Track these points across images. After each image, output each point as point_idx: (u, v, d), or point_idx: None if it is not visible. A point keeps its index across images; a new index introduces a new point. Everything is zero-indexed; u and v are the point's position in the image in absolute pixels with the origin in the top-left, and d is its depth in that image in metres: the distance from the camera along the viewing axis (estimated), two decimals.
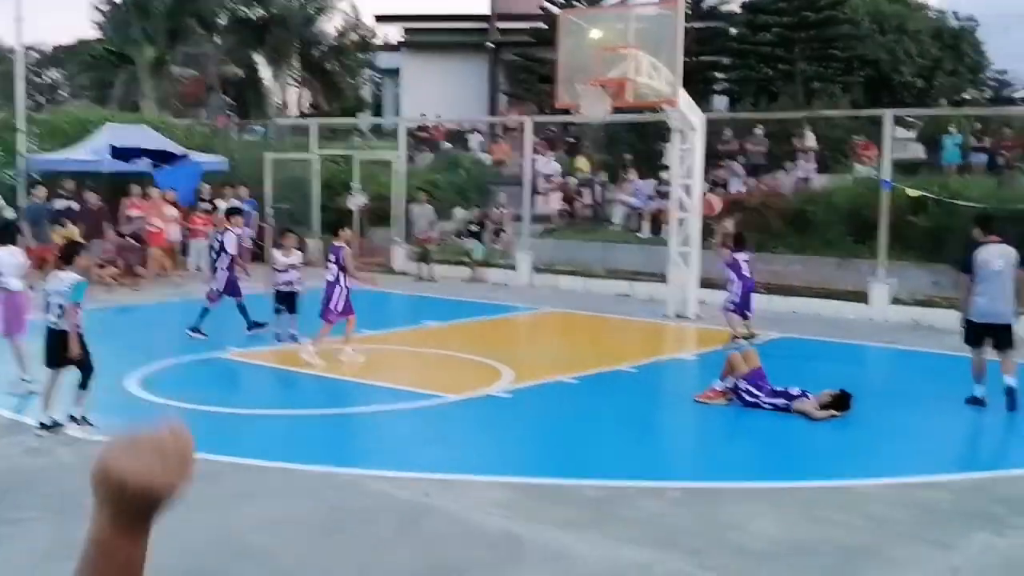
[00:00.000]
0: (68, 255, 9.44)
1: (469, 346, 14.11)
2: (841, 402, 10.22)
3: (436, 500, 7.48)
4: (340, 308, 12.68)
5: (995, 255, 10.48)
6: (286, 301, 13.93)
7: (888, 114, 18.17)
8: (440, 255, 22.66)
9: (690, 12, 26.10)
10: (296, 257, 14.11)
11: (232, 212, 15.70)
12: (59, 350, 9.13)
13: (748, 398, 10.49)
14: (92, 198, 19.11)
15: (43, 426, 9.15)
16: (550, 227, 23.81)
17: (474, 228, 22.74)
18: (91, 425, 9.19)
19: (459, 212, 24.43)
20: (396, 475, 8.14)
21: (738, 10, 34.13)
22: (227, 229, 14.91)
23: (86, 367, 9.24)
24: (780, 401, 10.31)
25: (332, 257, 12.82)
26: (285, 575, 6.11)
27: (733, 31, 33.58)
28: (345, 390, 11.51)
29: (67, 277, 9.11)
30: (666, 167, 21.74)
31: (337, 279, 12.67)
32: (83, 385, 9.26)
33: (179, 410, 10.11)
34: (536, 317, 17.60)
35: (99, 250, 18.44)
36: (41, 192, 19.34)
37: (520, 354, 13.76)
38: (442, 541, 6.71)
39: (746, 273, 14.47)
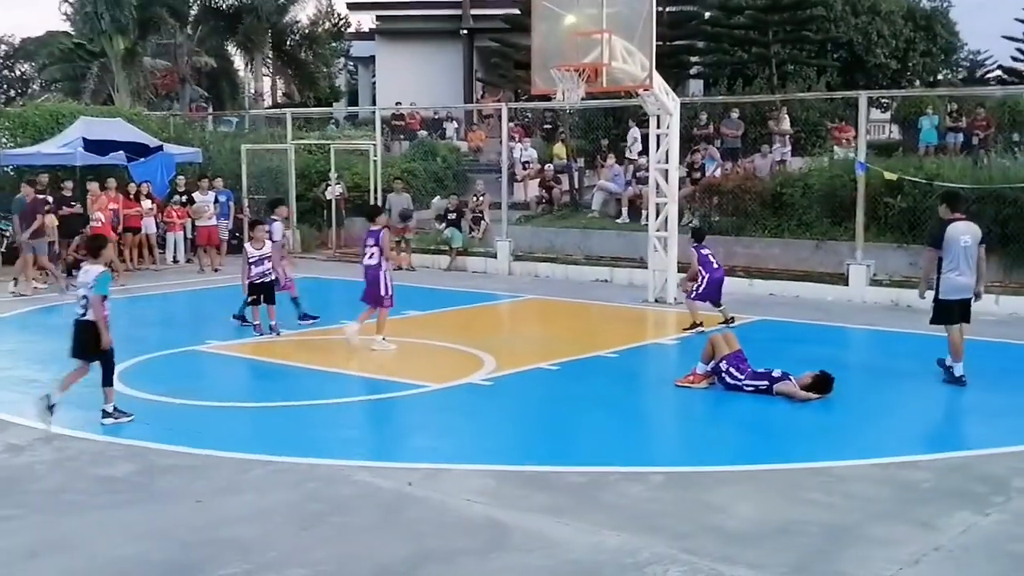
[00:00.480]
0: (95, 249, 9.62)
1: (450, 335, 14.10)
2: (822, 384, 10.26)
3: (419, 489, 7.47)
4: (392, 291, 12.94)
5: (963, 231, 10.91)
6: (262, 292, 13.87)
7: (863, 95, 18.24)
8: (419, 243, 22.61)
9: None
10: (267, 248, 14.06)
11: (276, 203, 15.71)
12: (84, 341, 9.23)
13: (730, 380, 10.52)
14: (27, 190, 18.67)
15: (47, 400, 9.11)
16: (528, 214, 23.80)
17: (452, 216, 22.68)
18: (127, 416, 9.32)
19: (437, 200, 24.37)
20: (379, 465, 8.14)
21: None
22: (273, 219, 14.92)
23: (108, 363, 9.32)
24: (762, 383, 10.35)
25: (371, 241, 12.94)
26: (268, 567, 6.08)
27: (707, 14, 33.56)
28: (327, 381, 11.46)
29: (93, 270, 9.29)
30: (643, 152, 21.76)
31: (379, 263, 12.84)
32: (108, 382, 9.33)
33: (158, 404, 10.08)
34: (516, 304, 17.60)
35: (43, 247, 18.28)
36: (30, 188, 19.01)
37: (501, 342, 13.75)
38: (425, 530, 6.70)
39: (714, 265, 14.46)
